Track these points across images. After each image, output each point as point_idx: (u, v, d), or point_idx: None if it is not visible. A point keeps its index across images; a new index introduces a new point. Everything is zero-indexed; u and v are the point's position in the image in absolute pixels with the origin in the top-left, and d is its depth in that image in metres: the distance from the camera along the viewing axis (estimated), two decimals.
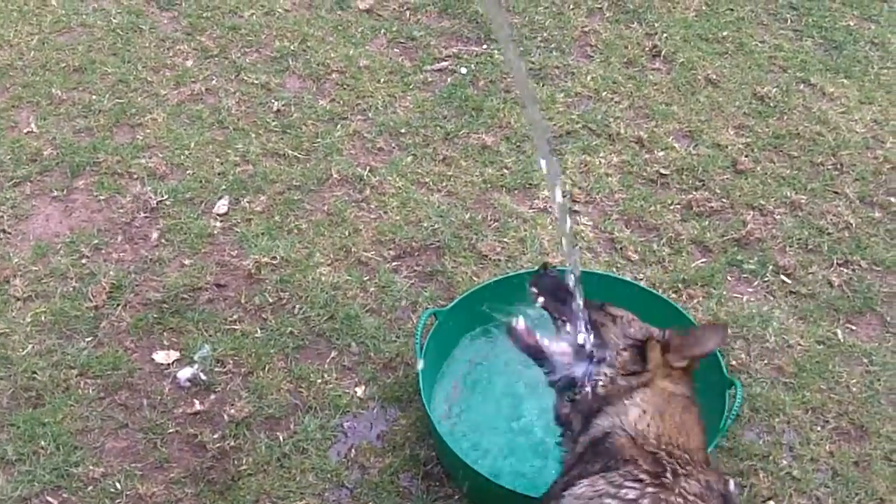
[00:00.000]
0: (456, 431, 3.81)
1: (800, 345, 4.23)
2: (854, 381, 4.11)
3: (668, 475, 2.75)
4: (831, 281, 4.51)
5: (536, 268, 3.42)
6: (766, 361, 4.16)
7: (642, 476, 2.75)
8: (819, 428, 3.94)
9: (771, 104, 5.45)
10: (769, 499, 3.70)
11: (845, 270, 4.57)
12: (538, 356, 3.27)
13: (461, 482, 3.66)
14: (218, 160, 4.99)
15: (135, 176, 4.90)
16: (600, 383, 3.07)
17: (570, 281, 3.21)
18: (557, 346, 3.23)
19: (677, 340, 3.09)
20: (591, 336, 3.16)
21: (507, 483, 3.43)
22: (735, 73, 5.66)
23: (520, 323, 3.29)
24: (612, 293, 3.98)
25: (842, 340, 4.27)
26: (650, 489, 2.72)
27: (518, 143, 5.11)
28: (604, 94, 5.47)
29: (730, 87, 5.57)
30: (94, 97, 5.34)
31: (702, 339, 3.10)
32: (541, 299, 3.31)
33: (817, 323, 4.33)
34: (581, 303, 3.20)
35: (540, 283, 3.34)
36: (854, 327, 4.34)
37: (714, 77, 5.61)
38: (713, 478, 2.82)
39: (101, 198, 4.79)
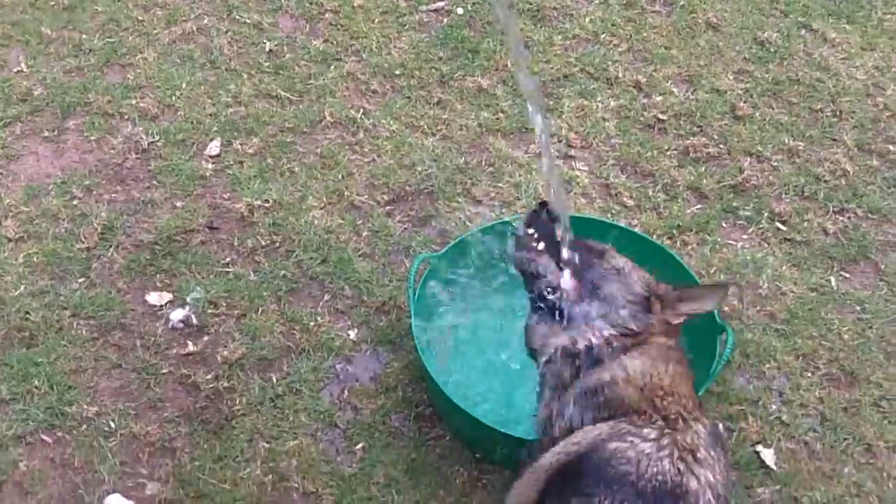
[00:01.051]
0: (447, 373, 3.81)
1: (793, 292, 4.23)
2: (846, 328, 4.11)
3: (680, 422, 2.80)
4: (826, 228, 4.50)
5: (532, 207, 3.34)
6: (758, 308, 4.16)
7: (658, 421, 2.79)
8: (809, 374, 3.95)
9: (771, 49, 5.41)
10: (758, 443, 3.72)
11: (841, 218, 4.55)
12: (535, 277, 3.19)
13: (453, 424, 3.68)
14: (210, 101, 4.95)
15: (126, 117, 4.86)
16: (595, 340, 3.04)
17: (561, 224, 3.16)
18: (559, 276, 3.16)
19: (675, 297, 3.07)
20: (590, 288, 3.11)
21: (499, 426, 3.44)
22: (736, 18, 5.61)
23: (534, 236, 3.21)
24: (605, 239, 3.98)
25: (835, 288, 4.26)
26: (668, 430, 2.76)
27: (514, 87, 5.06)
28: (602, 36, 5.41)
29: (730, 31, 5.52)
30: (84, 36, 5.28)
31: (702, 297, 3.09)
32: (535, 242, 3.20)
33: (811, 270, 4.32)
34: (578, 249, 3.16)
35: (535, 223, 3.23)
36: (848, 275, 4.34)
37: (714, 21, 5.55)
38: (708, 422, 2.87)
39: (93, 139, 4.75)
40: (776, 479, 3.62)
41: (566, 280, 3.12)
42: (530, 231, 3.23)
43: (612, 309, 3.05)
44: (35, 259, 4.22)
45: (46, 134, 4.77)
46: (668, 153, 4.79)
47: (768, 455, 3.68)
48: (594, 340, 3.03)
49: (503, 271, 4.07)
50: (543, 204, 3.26)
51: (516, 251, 3.26)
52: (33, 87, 4.98)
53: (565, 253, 3.15)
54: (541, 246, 3.19)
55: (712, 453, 2.78)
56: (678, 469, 2.69)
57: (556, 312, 3.12)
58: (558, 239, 3.18)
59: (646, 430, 2.76)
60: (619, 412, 2.86)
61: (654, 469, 2.67)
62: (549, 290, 3.15)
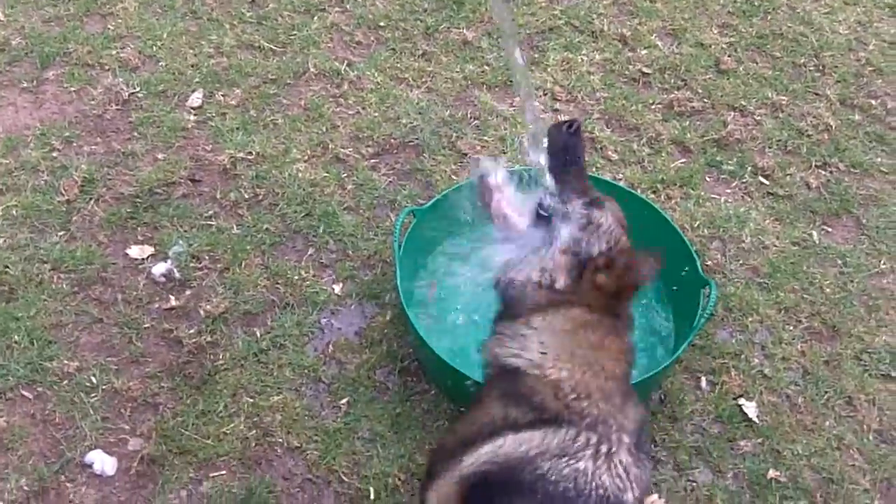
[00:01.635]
0: (433, 328, 3.81)
1: (775, 246, 4.24)
2: (828, 282, 4.13)
3: (600, 427, 2.62)
4: (809, 183, 4.50)
5: (567, 119, 3.08)
6: (741, 262, 4.17)
7: (581, 432, 2.61)
8: (791, 328, 3.97)
9: (755, 3, 5.39)
10: (740, 396, 3.74)
11: (823, 172, 4.56)
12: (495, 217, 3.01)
13: (437, 378, 3.68)
14: (191, 52, 4.89)
15: (106, 67, 4.80)
16: (522, 277, 2.86)
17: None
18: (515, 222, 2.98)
19: (616, 268, 2.79)
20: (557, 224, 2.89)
21: (482, 378, 3.44)
22: None
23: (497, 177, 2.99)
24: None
25: (817, 242, 4.28)
26: (593, 442, 2.59)
27: (500, 39, 5.02)
28: None
29: None
30: None
31: (634, 271, 2.78)
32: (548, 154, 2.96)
33: (793, 224, 4.33)
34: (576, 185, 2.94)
35: (557, 137, 2.98)
36: (830, 229, 4.35)
37: None
38: (632, 418, 2.69)
39: (72, 89, 4.70)
40: (758, 432, 3.64)
41: (520, 225, 2.97)
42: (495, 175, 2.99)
43: (550, 252, 2.85)
44: (14, 212, 4.18)
45: (25, 84, 4.71)
46: (653, 107, 4.78)
47: (751, 408, 3.70)
48: (520, 278, 2.86)
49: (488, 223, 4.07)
50: (575, 124, 2.99)
51: (479, 196, 3.05)
52: (11, 37, 4.91)
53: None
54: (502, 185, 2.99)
55: (640, 459, 2.64)
56: (618, 486, 2.56)
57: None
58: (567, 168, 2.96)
59: (576, 446, 2.58)
60: (536, 412, 2.67)
61: (594, 485, 2.54)
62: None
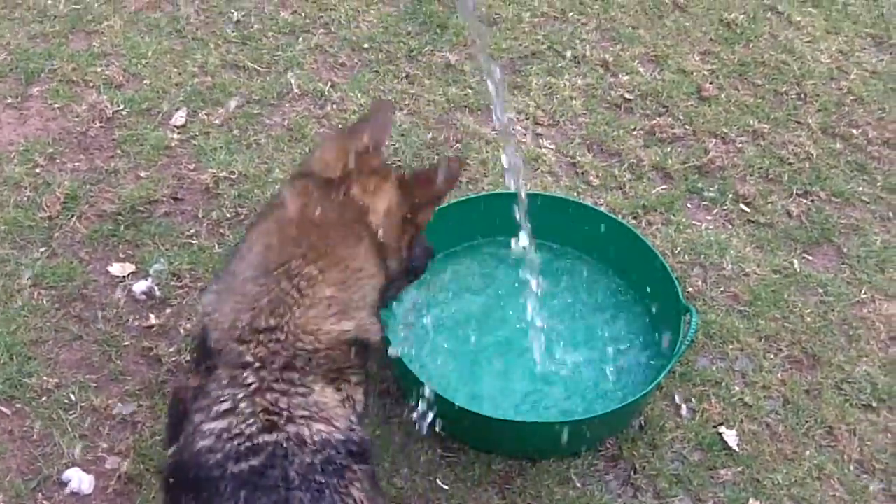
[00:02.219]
0: (412, 351, 3.80)
1: (756, 273, 4.26)
2: (808, 310, 4.14)
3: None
4: (790, 211, 4.53)
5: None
6: (721, 289, 4.19)
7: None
8: (772, 356, 3.98)
9: (737, 31, 5.43)
10: (720, 424, 3.74)
11: (804, 201, 4.59)
12: None
13: (418, 401, 3.67)
14: (176, 70, 4.90)
15: (91, 84, 4.80)
16: None
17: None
18: None
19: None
20: None
21: (462, 402, 3.44)
22: None
23: None
24: (571, 217, 4.00)
25: (798, 270, 4.30)
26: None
27: (482, 63, 5.05)
28: (570, 14, 5.41)
29: (697, 11, 5.53)
30: (49, 2, 5.19)
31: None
32: None
33: (774, 252, 4.35)
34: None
35: None
36: (810, 257, 4.38)
37: (682, 1, 5.56)
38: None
39: (56, 106, 4.69)
40: (738, 461, 3.65)
41: None
42: None
43: None
44: None
45: (9, 100, 4.70)
46: (635, 133, 4.80)
47: (731, 436, 3.70)
48: None
49: (468, 246, 4.10)
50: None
51: None
52: None
53: None
54: None
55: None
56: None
57: None
58: None
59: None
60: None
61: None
62: None
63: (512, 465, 3.58)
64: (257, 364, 2.42)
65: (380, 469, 3.50)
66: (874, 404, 3.87)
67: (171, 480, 2.43)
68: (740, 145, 4.80)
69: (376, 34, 5.18)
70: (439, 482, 3.54)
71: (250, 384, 2.39)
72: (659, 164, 4.66)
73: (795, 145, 4.82)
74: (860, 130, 4.94)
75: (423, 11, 5.30)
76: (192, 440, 2.37)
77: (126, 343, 3.84)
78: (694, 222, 4.45)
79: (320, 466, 2.32)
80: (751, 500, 3.55)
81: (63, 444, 3.53)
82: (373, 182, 2.62)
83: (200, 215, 4.28)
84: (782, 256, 4.34)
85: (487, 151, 4.61)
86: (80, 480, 3.44)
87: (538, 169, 4.55)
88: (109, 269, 4.08)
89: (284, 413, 2.37)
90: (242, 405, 2.37)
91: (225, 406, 2.38)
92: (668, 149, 4.74)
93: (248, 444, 2.32)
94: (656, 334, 3.85)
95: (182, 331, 3.87)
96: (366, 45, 5.12)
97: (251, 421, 2.35)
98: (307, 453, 2.33)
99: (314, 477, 2.30)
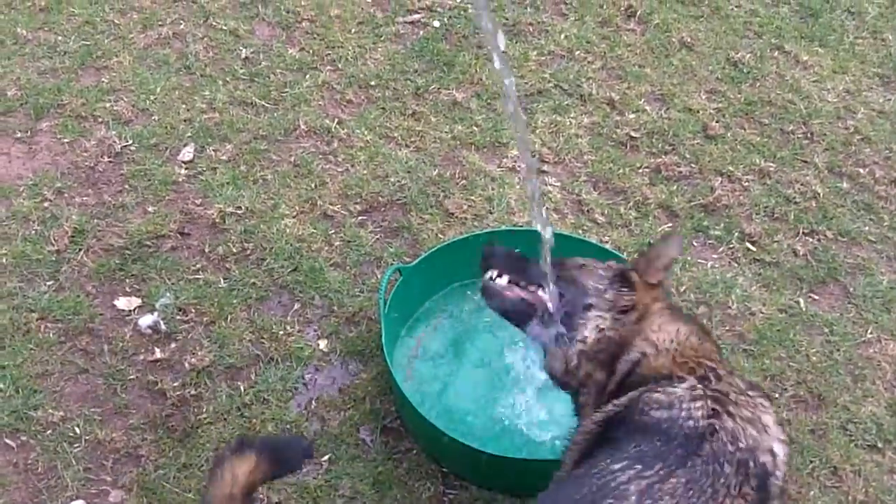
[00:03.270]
0: (416, 387, 3.80)
1: (762, 312, 4.25)
2: (814, 350, 4.14)
3: (712, 377, 2.76)
4: (796, 250, 4.53)
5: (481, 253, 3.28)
6: (727, 328, 4.18)
7: (689, 381, 2.75)
8: (777, 395, 3.97)
9: (744, 70, 5.45)
10: None
11: (811, 240, 4.59)
12: (519, 313, 3.17)
13: (420, 438, 3.67)
14: (184, 106, 4.93)
15: (99, 119, 4.84)
16: (602, 327, 2.99)
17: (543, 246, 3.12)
18: (538, 297, 3.14)
19: (643, 262, 3.08)
20: (567, 289, 3.08)
21: (466, 439, 3.44)
22: (710, 37, 5.65)
23: (500, 279, 3.20)
24: (576, 255, 3.99)
25: (804, 309, 4.29)
26: (701, 384, 2.73)
27: (489, 101, 5.08)
28: (577, 53, 5.44)
29: (704, 51, 5.56)
30: (59, 38, 5.25)
31: (664, 250, 3.08)
32: (497, 273, 3.21)
33: (780, 291, 4.35)
34: (545, 262, 3.13)
35: (493, 256, 3.26)
36: (816, 297, 4.37)
37: (688, 40, 5.59)
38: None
39: (65, 141, 4.73)
40: None
41: (546, 298, 3.11)
42: (490, 275, 3.22)
43: (597, 297, 3.03)
44: (4, 261, 4.19)
45: (19, 135, 4.74)
46: (640, 171, 4.82)
47: None
48: (595, 334, 2.99)
49: (473, 283, 4.09)
50: (489, 246, 3.29)
51: (490, 301, 3.24)
52: (7, 88, 4.94)
53: (533, 277, 3.16)
54: (505, 281, 3.20)
55: (750, 393, 2.75)
56: (711, 411, 2.64)
57: (556, 333, 3.07)
58: (522, 267, 3.20)
59: (681, 383, 2.74)
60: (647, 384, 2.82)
61: (685, 412, 2.64)
62: (540, 318, 3.12)
63: (514, 503, 3.57)
64: None
65: None
66: (879, 445, 3.85)
67: None
68: (746, 184, 4.81)
69: (383, 72, 5.21)
70: None
71: None
72: (665, 203, 4.67)
73: (802, 184, 4.82)
74: (867, 170, 4.95)
75: (429, 49, 5.34)
76: None
77: (131, 377, 3.85)
78: (700, 261, 4.45)
79: None
80: None
81: (67, 476, 3.54)
82: None
83: (207, 250, 4.30)
84: (788, 295, 4.34)
85: (493, 188, 4.63)
86: None
87: (544, 206, 4.55)
88: (116, 303, 4.09)
89: None
90: None
91: None
92: (674, 187, 4.75)
93: None
94: None
95: (187, 365, 3.87)
96: (372, 83, 5.15)
97: None
98: None
99: None
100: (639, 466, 2.52)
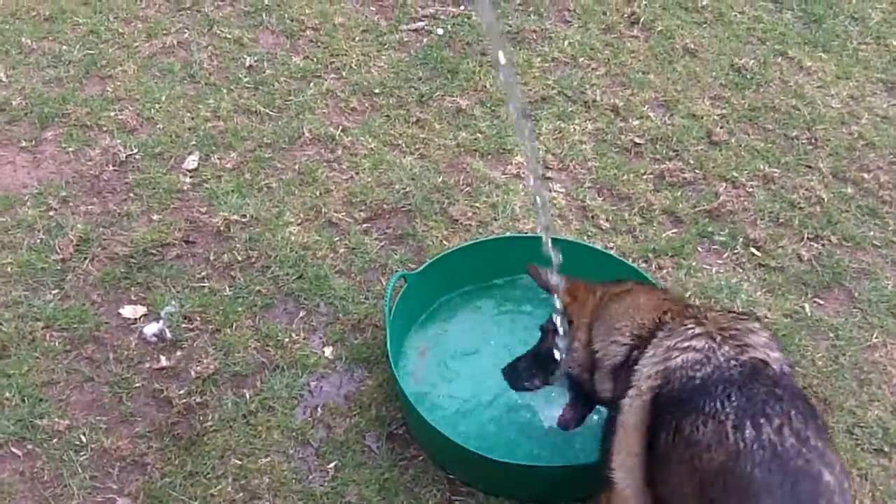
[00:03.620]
0: (422, 393, 3.80)
1: (767, 317, 4.24)
2: (819, 354, 4.13)
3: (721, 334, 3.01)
4: (801, 255, 4.53)
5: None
6: None
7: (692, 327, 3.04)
8: None
9: (748, 76, 5.45)
10: None
11: (815, 245, 4.58)
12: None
13: (426, 444, 3.67)
14: (189, 115, 4.94)
15: (104, 128, 4.85)
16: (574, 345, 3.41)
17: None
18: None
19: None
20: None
21: (472, 446, 3.43)
22: (713, 44, 5.65)
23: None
24: (581, 261, 4.00)
25: (809, 314, 4.29)
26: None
27: (493, 108, 5.08)
28: (581, 60, 5.45)
29: (707, 57, 5.56)
30: (64, 47, 5.27)
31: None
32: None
33: (785, 296, 4.35)
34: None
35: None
36: (822, 301, 4.37)
37: (692, 47, 5.60)
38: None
39: (70, 150, 4.74)
40: None
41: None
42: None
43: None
44: (9, 269, 4.20)
45: (24, 144, 4.75)
46: (645, 177, 4.82)
47: None
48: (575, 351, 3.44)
49: (478, 290, 4.11)
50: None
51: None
52: (11, 97, 4.96)
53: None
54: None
55: (763, 335, 3.03)
56: (738, 349, 2.94)
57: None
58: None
59: (689, 331, 3.01)
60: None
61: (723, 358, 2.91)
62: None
63: None
64: None
65: None
66: (886, 449, 3.84)
67: None
68: (751, 189, 4.81)
69: (387, 79, 5.22)
70: None
71: None
72: (669, 209, 4.67)
73: (806, 189, 4.82)
74: (871, 175, 4.95)
75: (433, 57, 5.35)
76: None
77: (137, 385, 3.85)
78: (704, 266, 4.45)
79: None
80: None
81: (73, 485, 3.53)
82: None
83: (212, 258, 4.30)
84: (793, 300, 4.34)
85: (497, 195, 4.63)
86: None
87: (549, 212, 4.56)
88: (121, 311, 4.09)
89: None
90: None
91: None
92: (679, 193, 4.75)
93: None
94: None
95: (193, 373, 3.88)
96: (377, 91, 5.16)
97: None
98: None
99: None
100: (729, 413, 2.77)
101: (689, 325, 3.03)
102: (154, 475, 3.58)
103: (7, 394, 3.77)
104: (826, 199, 4.78)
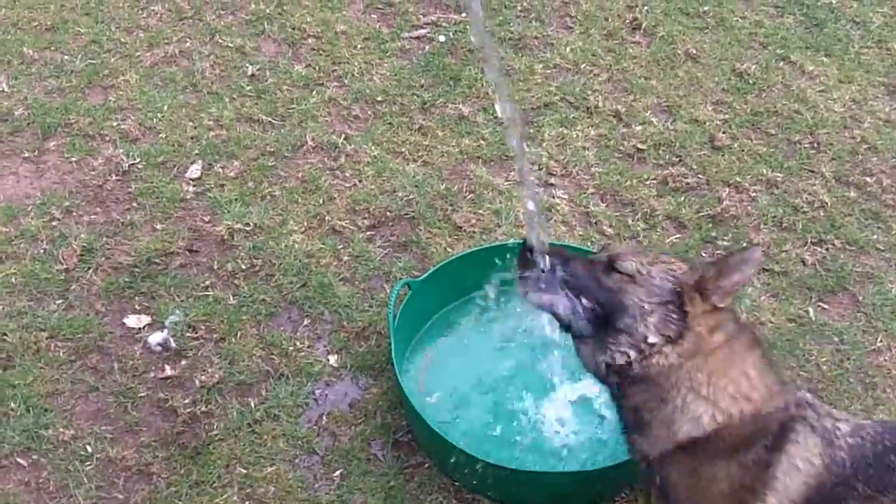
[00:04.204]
0: (427, 401, 3.80)
1: (771, 322, 4.24)
2: (824, 359, 4.13)
3: (790, 433, 2.67)
4: (804, 259, 4.52)
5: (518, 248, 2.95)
6: None
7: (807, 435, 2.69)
8: None
9: (750, 81, 5.45)
10: None
11: (819, 249, 4.58)
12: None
13: (432, 452, 3.66)
14: (191, 124, 4.95)
15: (107, 138, 4.85)
16: (630, 360, 2.69)
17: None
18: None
19: (714, 275, 2.63)
20: (605, 300, 2.72)
21: (479, 453, 3.43)
22: (715, 49, 5.65)
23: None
24: None
25: (813, 319, 4.28)
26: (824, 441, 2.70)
27: (495, 115, 5.08)
28: (583, 66, 5.45)
29: (709, 62, 5.56)
30: (66, 57, 5.28)
31: (741, 264, 2.62)
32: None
33: (789, 301, 4.34)
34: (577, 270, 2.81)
35: (528, 266, 2.88)
36: (826, 306, 4.36)
37: (694, 52, 5.60)
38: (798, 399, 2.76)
39: (73, 160, 4.74)
40: None
41: (578, 307, 2.77)
42: (527, 274, 2.87)
43: (634, 322, 2.66)
44: (13, 280, 4.20)
45: (26, 154, 4.75)
46: (648, 182, 4.82)
47: None
48: (622, 360, 2.69)
49: (483, 297, 4.10)
50: (524, 245, 2.91)
51: (528, 294, 2.87)
52: (14, 107, 4.96)
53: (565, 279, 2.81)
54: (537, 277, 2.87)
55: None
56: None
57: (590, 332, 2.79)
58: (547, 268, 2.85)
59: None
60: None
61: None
62: (568, 317, 2.80)
63: None
64: None
65: None
66: None
67: None
68: (754, 194, 4.81)
69: (389, 87, 5.22)
70: None
71: None
72: (672, 214, 4.67)
73: (809, 194, 4.82)
74: (874, 178, 4.94)
75: (435, 64, 5.36)
76: None
77: (142, 394, 3.85)
78: None
79: None
80: None
81: (79, 495, 3.54)
82: None
83: (216, 267, 4.30)
84: (797, 305, 4.33)
85: (500, 202, 4.63)
86: None
87: (552, 219, 4.56)
88: (125, 320, 4.10)
89: None
90: None
91: None
92: (682, 198, 4.75)
93: None
94: None
95: (197, 382, 3.87)
96: (379, 98, 5.16)
97: None
98: None
99: None
100: None
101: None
102: (160, 484, 3.58)
103: (12, 404, 3.77)
104: (829, 204, 4.78)
